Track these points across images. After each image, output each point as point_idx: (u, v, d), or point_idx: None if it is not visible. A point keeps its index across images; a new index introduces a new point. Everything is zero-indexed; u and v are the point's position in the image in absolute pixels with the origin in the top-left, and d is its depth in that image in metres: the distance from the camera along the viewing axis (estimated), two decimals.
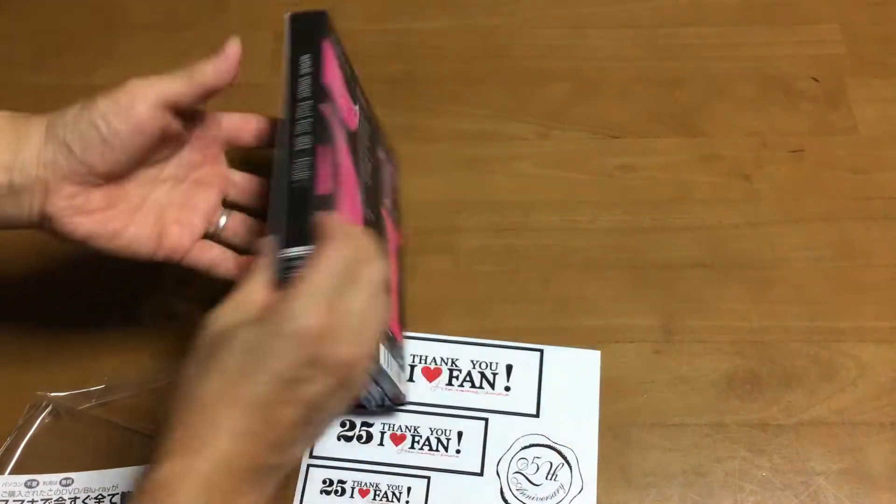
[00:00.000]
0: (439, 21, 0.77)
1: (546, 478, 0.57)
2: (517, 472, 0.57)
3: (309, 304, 0.42)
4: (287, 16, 0.55)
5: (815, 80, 0.72)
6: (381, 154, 0.63)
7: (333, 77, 0.54)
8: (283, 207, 0.48)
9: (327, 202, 0.48)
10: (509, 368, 0.61)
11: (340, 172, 0.51)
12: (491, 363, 0.61)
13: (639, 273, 0.64)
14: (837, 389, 0.59)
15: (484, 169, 0.69)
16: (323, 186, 0.48)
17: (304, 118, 0.51)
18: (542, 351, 0.61)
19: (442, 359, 0.61)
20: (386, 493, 0.57)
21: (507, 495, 0.57)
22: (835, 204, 0.67)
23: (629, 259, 0.65)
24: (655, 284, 0.64)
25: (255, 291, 0.44)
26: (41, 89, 0.73)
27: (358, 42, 0.77)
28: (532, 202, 0.68)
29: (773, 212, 0.67)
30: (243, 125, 0.57)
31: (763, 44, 0.75)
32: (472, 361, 0.61)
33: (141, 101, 0.48)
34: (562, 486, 0.57)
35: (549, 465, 0.57)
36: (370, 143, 0.60)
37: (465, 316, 0.63)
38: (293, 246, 0.46)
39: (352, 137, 0.55)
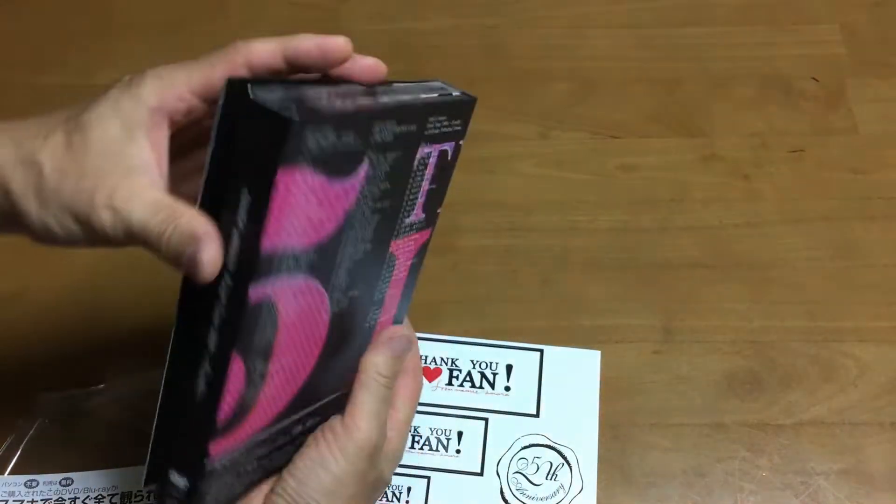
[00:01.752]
0: (439, 21, 0.77)
1: (546, 478, 0.57)
2: (517, 472, 0.57)
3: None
4: (222, 91, 0.33)
5: (815, 80, 0.72)
6: (425, 150, 0.42)
7: (290, 219, 0.34)
8: (174, 417, 0.39)
9: (219, 432, 0.38)
10: (509, 368, 0.61)
11: (277, 342, 0.37)
12: (491, 363, 0.61)
13: (639, 273, 0.64)
14: (837, 389, 0.59)
15: (484, 169, 0.69)
16: (225, 411, 0.37)
17: (217, 307, 0.35)
18: (542, 351, 0.61)
19: (442, 359, 0.61)
20: (386, 492, 0.57)
21: (507, 495, 0.57)
22: (835, 204, 0.67)
23: (629, 259, 0.65)
24: (655, 284, 0.64)
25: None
26: (41, 89, 0.73)
27: (358, 42, 0.77)
28: (532, 202, 0.68)
29: (773, 212, 0.67)
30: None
31: (763, 44, 0.75)
32: (472, 361, 0.61)
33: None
34: (562, 486, 0.57)
35: (549, 465, 0.57)
36: (393, 166, 0.40)
37: (465, 316, 0.63)
38: (179, 468, 0.39)
39: (333, 242, 0.38)
